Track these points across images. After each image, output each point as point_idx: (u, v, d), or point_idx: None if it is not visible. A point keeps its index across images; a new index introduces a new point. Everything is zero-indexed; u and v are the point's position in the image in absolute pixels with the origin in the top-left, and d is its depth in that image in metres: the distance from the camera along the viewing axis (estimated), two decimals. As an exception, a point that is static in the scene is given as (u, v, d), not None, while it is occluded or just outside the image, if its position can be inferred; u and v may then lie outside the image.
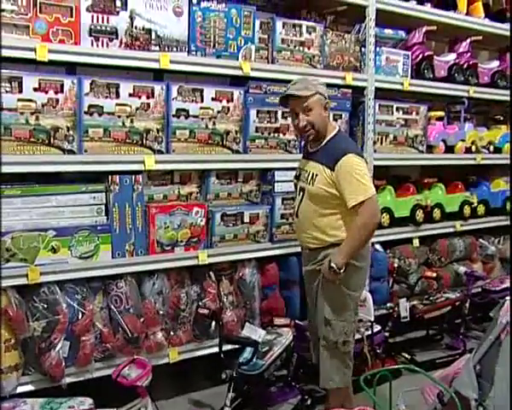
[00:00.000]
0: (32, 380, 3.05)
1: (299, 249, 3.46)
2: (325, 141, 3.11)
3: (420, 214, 4.67)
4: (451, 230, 4.94)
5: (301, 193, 3.16)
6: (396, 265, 4.50)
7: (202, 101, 3.46)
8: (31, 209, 3.03)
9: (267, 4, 4.03)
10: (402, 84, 4.44)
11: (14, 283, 2.94)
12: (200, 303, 3.51)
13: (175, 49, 3.36)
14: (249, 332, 3.08)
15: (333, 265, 2.94)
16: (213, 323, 3.31)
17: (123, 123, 3.20)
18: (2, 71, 2.85)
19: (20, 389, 2.99)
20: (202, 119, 3.47)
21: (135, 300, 3.30)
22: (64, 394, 2.95)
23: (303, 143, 3.38)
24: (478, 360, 2.52)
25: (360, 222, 2.95)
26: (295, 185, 3.27)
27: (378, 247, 4.47)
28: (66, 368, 3.09)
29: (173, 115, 3.37)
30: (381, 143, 4.41)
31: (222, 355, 3.13)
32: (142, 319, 3.31)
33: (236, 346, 3.29)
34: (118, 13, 3.16)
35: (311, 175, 3.09)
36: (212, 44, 3.49)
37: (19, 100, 2.89)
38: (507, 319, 2.42)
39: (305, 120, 3.04)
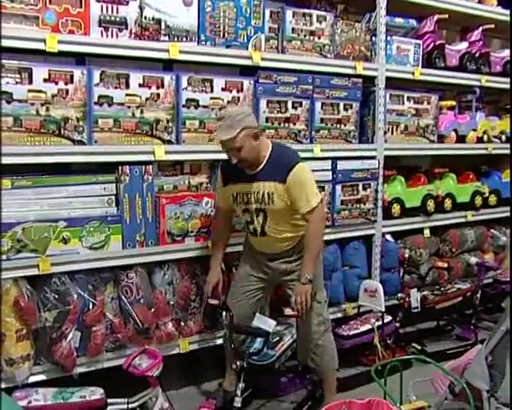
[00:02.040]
0: (43, 370, 3.07)
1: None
2: (264, 162, 3.11)
3: (431, 204, 4.65)
4: (463, 220, 4.92)
5: (261, 213, 3.16)
6: (407, 255, 4.49)
7: (212, 91, 3.45)
8: (42, 200, 3.04)
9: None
10: (413, 73, 4.40)
11: (25, 273, 2.95)
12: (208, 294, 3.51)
13: (184, 39, 3.35)
14: (260, 322, 3.07)
15: (307, 277, 3.07)
16: (224, 313, 3.30)
17: (133, 113, 3.20)
18: (13, 62, 2.85)
19: (32, 379, 3.01)
20: (212, 109, 3.46)
21: (145, 290, 3.31)
22: (75, 383, 2.97)
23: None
24: (489, 351, 2.51)
25: (314, 227, 3.11)
26: (245, 210, 3.21)
27: (389, 237, 4.46)
28: (78, 358, 3.10)
29: (183, 106, 3.36)
30: (392, 132, 4.39)
31: (232, 345, 3.13)
32: (152, 310, 3.31)
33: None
34: (127, 3, 3.15)
35: (266, 195, 3.09)
36: (221, 34, 3.47)
37: (29, 91, 2.88)
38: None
39: (236, 158, 3.01)
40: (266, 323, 3.02)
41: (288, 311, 3.09)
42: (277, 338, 3.38)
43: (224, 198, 3.30)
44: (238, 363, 3.00)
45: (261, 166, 3.11)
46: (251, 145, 3.02)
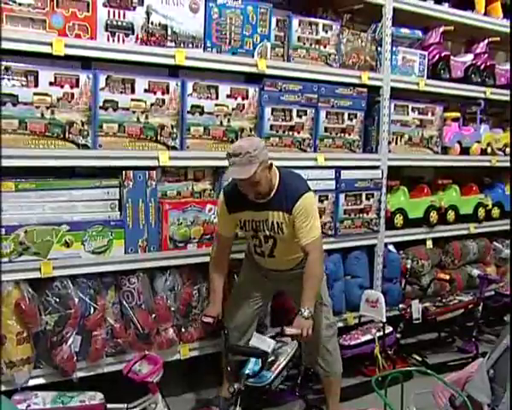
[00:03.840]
0: (43, 373, 3.06)
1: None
2: (274, 190, 3.08)
3: (434, 216, 4.64)
4: (465, 232, 4.91)
5: (270, 240, 3.15)
6: (409, 266, 4.48)
7: (217, 98, 3.45)
8: (45, 203, 3.04)
9: (283, 2, 4.01)
10: (418, 84, 4.41)
11: (27, 276, 2.95)
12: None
13: (191, 45, 3.36)
14: (258, 342, 2.97)
15: (307, 313, 2.93)
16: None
17: (138, 119, 3.20)
18: (19, 65, 2.85)
19: (32, 382, 3.00)
20: (217, 115, 3.46)
21: (147, 296, 3.31)
22: (75, 388, 2.97)
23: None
24: (491, 365, 2.50)
25: (313, 258, 3.02)
26: (254, 236, 3.19)
27: (391, 247, 4.46)
28: (78, 362, 3.10)
29: (188, 112, 3.36)
30: (396, 143, 4.39)
31: (229, 368, 3.08)
32: (153, 315, 3.31)
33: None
34: (134, 8, 3.16)
35: (275, 225, 3.08)
36: (227, 41, 3.48)
37: (35, 94, 2.89)
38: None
39: (253, 192, 2.99)
40: (265, 342, 2.93)
41: (288, 330, 3.00)
42: (273, 358, 3.18)
43: (227, 225, 3.23)
44: (236, 386, 2.87)
45: (271, 196, 3.07)
46: (266, 178, 3.00)
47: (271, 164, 3.03)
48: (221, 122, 3.48)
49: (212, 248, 3.32)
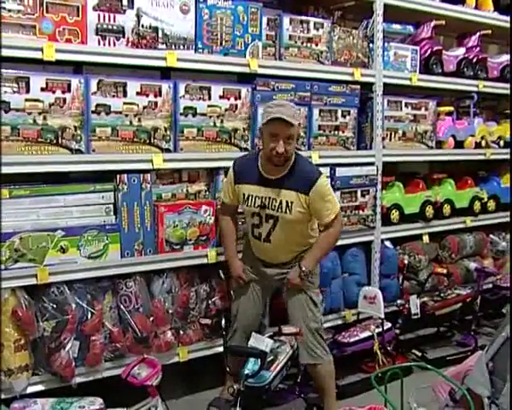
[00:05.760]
0: (42, 380, 3.05)
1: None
2: (288, 167, 3.13)
3: (429, 210, 4.65)
4: (461, 226, 4.91)
5: (270, 220, 3.18)
6: (406, 261, 4.48)
7: (210, 99, 3.45)
8: (39, 209, 3.03)
9: (273, 1, 4.01)
10: (410, 79, 4.41)
11: (23, 283, 2.94)
12: (209, 301, 3.50)
13: (182, 47, 3.35)
14: (256, 342, 2.98)
15: (304, 269, 3.17)
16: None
17: (130, 122, 3.19)
18: (10, 71, 2.84)
19: (31, 389, 2.99)
20: (210, 117, 3.46)
21: (144, 299, 3.30)
22: (74, 394, 2.96)
23: (241, 162, 3.32)
24: (490, 358, 2.50)
25: (334, 232, 3.22)
26: (255, 213, 3.22)
27: (388, 243, 4.46)
28: (76, 368, 3.09)
29: (181, 114, 3.36)
30: (390, 139, 4.39)
31: (228, 369, 3.08)
32: (151, 319, 3.30)
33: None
34: (124, 11, 3.15)
35: (284, 203, 3.12)
36: (219, 42, 3.48)
37: (26, 100, 2.88)
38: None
39: (283, 148, 3.01)
40: (263, 342, 2.94)
41: (286, 329, 3.01)
42: (272, 357, 3.15)
43: (231, 195, 3.31)
44: (235, 387, 2.88)
45: (284, 173, 3.13)
46: (293, 147, 3.10)
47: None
48: (214, 123, 3.47)
49: (219, 217, 3.47)
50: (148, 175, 3.29)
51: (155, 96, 3.26)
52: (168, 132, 3.32)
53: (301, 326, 3.19)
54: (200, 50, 3.42)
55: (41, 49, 2.88)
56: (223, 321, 3.15)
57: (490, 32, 4.96)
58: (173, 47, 3.32)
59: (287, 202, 3.11)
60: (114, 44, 3.14)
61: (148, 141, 3.26)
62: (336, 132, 4.02)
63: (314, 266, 3.25)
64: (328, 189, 3.19)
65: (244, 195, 3.22)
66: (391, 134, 4.38)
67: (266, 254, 3.30)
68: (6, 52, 2.80)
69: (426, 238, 4.73)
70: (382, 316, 3.92)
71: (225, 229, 3.42)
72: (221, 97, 3.49)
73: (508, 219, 5.14)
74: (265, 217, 3.18)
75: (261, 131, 3.18)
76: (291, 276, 3.23)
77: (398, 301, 4.25)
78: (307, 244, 3.29)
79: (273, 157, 3.06)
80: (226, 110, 3.51)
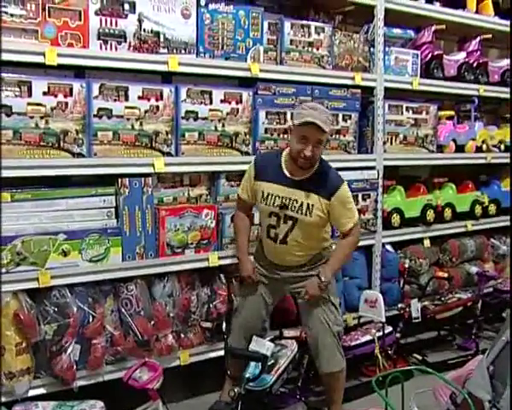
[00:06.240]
0: (43, 383, 3.05)
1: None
2: (313, 170, 3.14)
3: (430, 214, 4.65)
4: (462, 230, 4.91)
5: (289, 222, 3.16)
6: (407, 265, 4.48)
7: (211, 103, 3.46)
8: (41, 213, 3.04)
9: (274, 5, 4.02)
10: (411, 83, 4.42)
11: (25, 286, 2.94)
12: (210, 305, 3.50)
13: (183, 51, 3.36)
14: (257, 346, 2.98)
15: (323, 279, 3.14)
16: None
17: (132, 126, 3.20)
18: (12, 75, 2.86)
19: (32, 393, 2.99)
20: (211, 121, 3.46)
21: (145, 302, 3.30)
22: (75, 397, 2.96)
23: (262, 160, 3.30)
24: (491, 361, 2.50)
25: (352, 241, 3.26)
26: (273, 213, 3.19)
27: (389, 247, 4.46)
28: (78, 371, 3.09)
29: (182, 118, 3.36)
30: (391, 143, 4.39)
31: (228, 372, 3.07)
32: (152, 322, 3.31)
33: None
34: (126, 16, 3.16)
35: (305, 206, 3.11)
36: (220, 46, 3.49)
37: (28, 104, 2.89)
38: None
39: (311, 152, 3.02)
40: (264, 346, 2.94)
41: (287, 332, 3.01)
42: (272, 361, 3.19)
43: (249, 191, 3.29)
44: (236, 390, 2.87)
45: (308, 175, 3.13)
46: (321, 151, 3.10)
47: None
48: (215, 127, 3.48)
49: (235, 214, 3.45)
50: (150, 179, 3.30)
51: (157, 100, 3.27)
52: (169, 136, 3.33)
53: (323, 330, 3.19)
54: (202, 55, 3.43)
55: (43, 54, 2.89)
56: (223, 325, 3.16)
57: (490, 36, 4.96)
58: (175, 51, 3.33)
59: (308, 205, 3.10)
60: (116, 49, 3.15)
61: (149, 145, 3.27)
62: (337, 136, 4.03)
63: (331, 277, 3.23)
64: (349, 197, 3.20)
65: (263, 193, 3.19)
66: (392, 138, 4.39)
67: (280, 256, 3.27)
68: (8, 56, 2.81)
69: (427, 242, 4.72)
70: (383, 320, 3.92)
71: (239, 225, 3.39)
72: (222, 101, 3.50)
73: (508, 223, 5.15)
74: (284, 218, 3.16)
75: (291, 130, 3.17)
76: (309, 287, 3.18)
77: (399, 305, 4.24)
78: (320, 248, 3.29)
79: (299, 159, 3.05)
80: (227, 114, 3.52)
